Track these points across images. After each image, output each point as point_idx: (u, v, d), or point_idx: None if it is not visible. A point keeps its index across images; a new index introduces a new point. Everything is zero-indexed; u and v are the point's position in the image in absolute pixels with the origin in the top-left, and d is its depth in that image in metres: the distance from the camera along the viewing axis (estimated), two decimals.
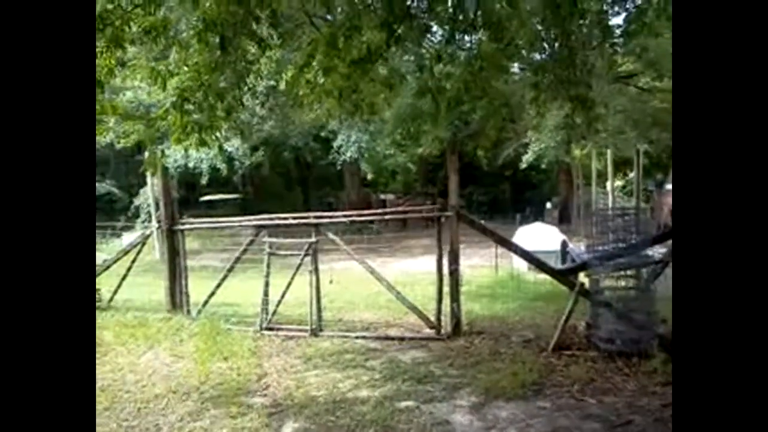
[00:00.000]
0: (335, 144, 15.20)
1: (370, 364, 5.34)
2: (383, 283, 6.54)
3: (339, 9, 4.72)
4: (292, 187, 22.81)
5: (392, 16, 4.23)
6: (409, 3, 4.58)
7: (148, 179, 12.72)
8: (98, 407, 4.39)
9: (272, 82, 5.32)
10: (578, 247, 9.81)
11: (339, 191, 21.87)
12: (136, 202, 16.18)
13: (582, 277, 6.01)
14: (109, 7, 3.07)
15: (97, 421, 4.19)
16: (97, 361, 5.48)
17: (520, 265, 9.64)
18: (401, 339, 6.05)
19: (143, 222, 15.34)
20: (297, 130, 14.47)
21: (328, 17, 4.93)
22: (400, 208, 12.12)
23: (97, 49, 3.09)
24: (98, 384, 4.89)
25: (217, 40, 3.63)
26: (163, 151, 5.01)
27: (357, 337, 6.16)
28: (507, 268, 10.30)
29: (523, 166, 14.98)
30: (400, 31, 4.32)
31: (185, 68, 3.71)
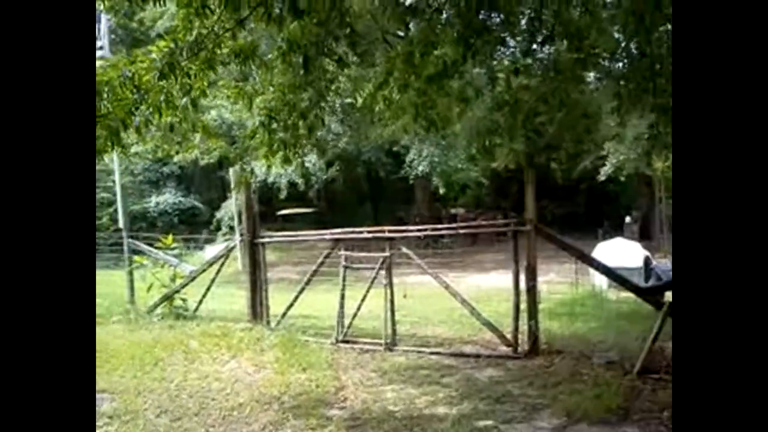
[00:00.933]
0: (407, 158, 15.32)
1: (446, 380, 5.28)
2: (457, 298, 6.48)
3: (414, 25, 4.78)
4: (363, 201, 23.15)
5: (469, 30, 4.23)
6: (485, 17, 4.57)
7: (233, 194, 13.32)
8: (188, 412, 4.63)
9: (349, 100, 5.43)
10: (664, 264, 9.27)
11: (409, 205, 21.95)
12: (218, 215, 16.98)
13: (669, 297, 5.68)
14: (203, 32, 3.27)
15: (187, 425, 4.41)
16: (184, 369, 5.77)
17: (601, 282, 9.24)
18: (477, 356, 5.95)
19: (224, 235, 16.06)
20: (370, 146, 14.72)
21: (400, 33, 5.01)
22: (473, 222, 11.97)
23: (191, 71, 3.30)
24: (186, 390, 5.14)
25: (300, 60, 3.77)
26: (252, 169, 5.24)
27: (431, 353, 6.12)
28: (586, 285, 9.90)
29: (602, 178, 14.38)
30: (476, 44, 4.31)
31: (270, 88, 3.88)
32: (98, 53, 3.80)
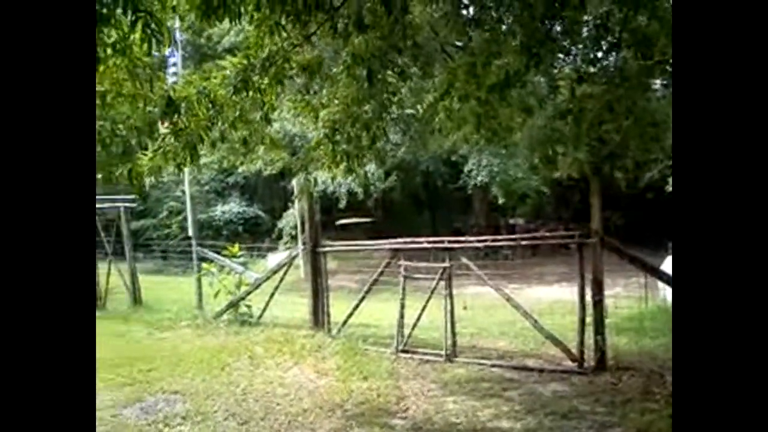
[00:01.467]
0: (466, 168, 15.21)
1: (509, 394, 5.19)
2: (519, 310, 6.35)
3: (477, 36, 4.78)
4: (420, 211, 23.12)
5: (532, 40, 4.19)
6: (548, 26, 4.51)
7: (295, 203, 13.66)
8: (254, 416, 4.77)
9: (410, 111, 5.49)
10: None
11: (466, 215, 21.74)
12: (279, 224, 17.43)
13: None
14: (273, 48, 3.40)
15: (254, 429, 4.55)
16: (250, 373, 5.95)
17: (671, 296, 8.80)
18: (540, 370, 5.80)
19: (285, 243, 16.46)
20: (428, 155, 14.72)
21: (458, 44, 5.02)
22: (536, 234, 11.70)
23: (262, 86, 3.44)
24: (252, 395, 5.30)
25: (364, 73, 3.85)
26: (315, 179, 5.37)
27: (493, 366, 6.02)
28: (655, 300, 9.47)
29: (670, 189, 13.73)
30: (539, 54, 4.26)
31: (335, 101, 3.98)
32: (171, 69, 4.01)
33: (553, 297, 10.44)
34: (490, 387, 5.40)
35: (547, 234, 9.74)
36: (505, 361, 6.20)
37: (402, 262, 6.83)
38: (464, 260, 6.66)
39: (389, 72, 4.17)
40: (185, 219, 18.60)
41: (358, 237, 12.86)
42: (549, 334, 6.08)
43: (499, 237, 8.55)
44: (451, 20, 4.14)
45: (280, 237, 17.20)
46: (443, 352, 6.34)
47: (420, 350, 6.59)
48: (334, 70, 3.93)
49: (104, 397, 5.42)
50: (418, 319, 6.75)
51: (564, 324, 6.72)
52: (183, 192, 14.49)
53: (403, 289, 6.82)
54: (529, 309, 6.77)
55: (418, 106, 5.36)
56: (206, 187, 20.05)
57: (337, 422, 4.61)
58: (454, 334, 6.48)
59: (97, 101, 2.86)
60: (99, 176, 3.23)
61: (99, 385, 5.76)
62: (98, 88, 2.82)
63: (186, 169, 8.76)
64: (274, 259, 13.47)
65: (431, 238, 6.74)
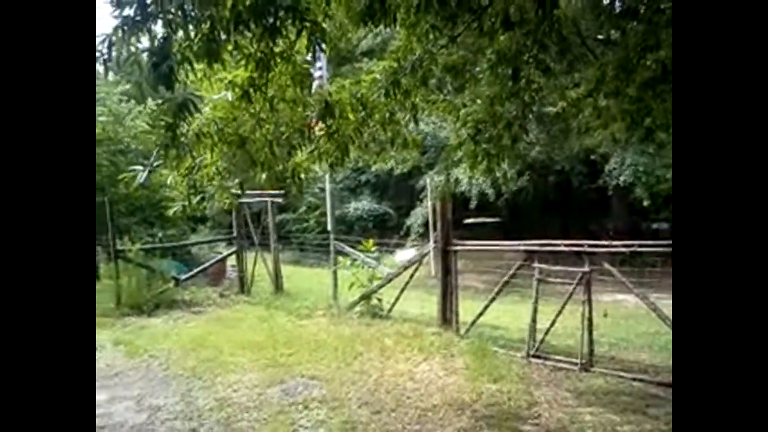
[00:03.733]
0: (606, 167, 14.26)
1: (653, 411, 4.81)
2: (667, 322, 5.86)
3: (630, 29, 4.49)
4: (550, 212, 22.18)
5: None
6: None
7: (426, 201, 13.83)
8: (386, 407, 4.93)
9: (550, 109, 5.30)
10: None
11: (602, 218, 20.40)
12: (408, 222, 17.77)
13: None
14: (421, 50, 3.48)
15: (386, 419, 4.70)
16: (381, 365, 6.16)
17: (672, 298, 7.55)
18: None
19: (413, 241, 16.74)
20: (564, 155, 14.04)
21: (599, 37, 4.73)
22: None
23: (408, 89, 3.54)
24: (384, 386, 5.49)
25: (509, 71, 3.80)
26: (456, 178, 5.42)
27: (634, 379, 5.62)
28: None
29: None
30: None
31: (478, 101, 3.97)
32: (317, 73, 4.28)
33: None
34: (630, 402, 5.05)
35: None
36: (648, 376, 5.76)
37: (536, 265, 6.62)
38: (606, 265, 6.28)
39: (533, 69, 4.06)
40: (322, 214, 19.75)
41: (485, 237, 12.63)
42: None
43: (646, 242, 7.92)
44: (603, 14, 3.92)
45: (407, 234, 17.51)
46: (578, 361, 6.05)
47: (553, 357, 6.34)
48: (477, 69, 3.92)
49: (251, 376, 5.94)
50: (552, 324, 6.51)
51: None
52: (320, 189, 15.35)
53: (537, 291, 6.61)
54: None
55: (560, 104, 5.15)
56: (340, 185, 21.02)
57: (466, 422, 4.62)
58: (591, 342, 6.15)
59: (266, 106, 3.16)
60: (263, 176, 3.56)
61: (246, 365, 6.34)
62: (268, 93, 3.10)
63: (326, 168, 9.28)
64: (402, 255, 13.76)
65: (568, 241, 6.43)
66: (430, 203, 10.04)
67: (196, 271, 11.39)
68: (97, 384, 5.85)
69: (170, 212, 4.79)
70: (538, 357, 6.36)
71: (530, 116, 4.35)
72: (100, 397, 5.47)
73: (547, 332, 6.50)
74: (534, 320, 6.57)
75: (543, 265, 6.62)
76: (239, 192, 4.09)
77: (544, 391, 5.38)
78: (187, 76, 2.48)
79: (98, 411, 5.08)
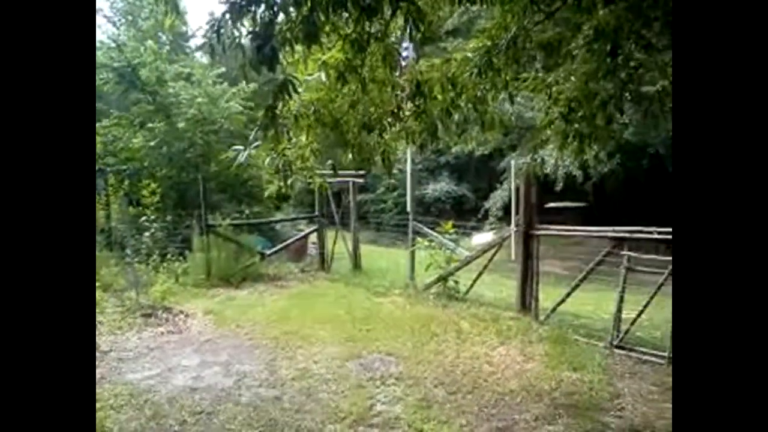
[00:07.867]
0: None
1: None
2: None
3: None
4: (640, 197, 21.03)
5: None
6: None
7: (505, 184, 13.55)
8: (462, 389, 4.95)
9: (649, 88, 4.98)
10: None
11: None
12: (486, 204, 17.49)
13: None
14: (513, 30, 3.38)
15: (462, 401, 4.72)
16: (456, 346, 6.17)
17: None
18: None
19: (491, 224, 16.48)
20: (659, 138, 13.20)
21: None
22: None
23: (500, 67, 3.45)
24: (460, 368, 5.50)
25: (607, 47, 3.61)
26: (543, 159, 5.26)
27: None
28: None
29: None
30: None
31: (572, 78, 3.81)
32: (404, 53, 4.26)
33: None
34: None
35: None
36: None
37: (624, 252, 6.33)
38: None
39: (634, 45, 3.83)
40: (399, 195, 19.87)
41: (568, 221, 12.21)
42: None
43: None
44: None
45: (485, 217, 17.26)
46: (666, 354, 5.75)
47: (638, 348, 6.08)
48: (572, 45, 3.75)
49: (331, 349, 6.15)
50: (639, 315, 6.22)
51: None
52: (399, 170, 15.41)
53: (624, 280, 6.33)
54: None
55: (660, 83, 4.84)
56: (419, 166, 21.02)
57: (545, 409, 4.54)
58: None
59: (359, 87, 3.20)
60: (349, 157, 3.63)
61: (326, 338, 6.56)
62: (360, 74, 3.15)
63: (408, 150, 9.29)
64: (479, 238, 13.59)
65: (663, 229, 6.05)
66: (513, 185, 9.79)
67: (279, 246, 11.87)
68: (189, 349, 6.30)
69: (266, 193, 4.97)
70: (622, 348, 6.12)
71: (627, 95, 4.12)
72: (193, 361, 5.88)
73: (633, 323, 6.23)
74: (619, 310, 6.31)
75: (631, 253, 6.32)
76: (331, 172, 4.19)
77: (627, 383, 5.18)
78: (285, 59, 2.56)
79: (191, 374, 5.47)
